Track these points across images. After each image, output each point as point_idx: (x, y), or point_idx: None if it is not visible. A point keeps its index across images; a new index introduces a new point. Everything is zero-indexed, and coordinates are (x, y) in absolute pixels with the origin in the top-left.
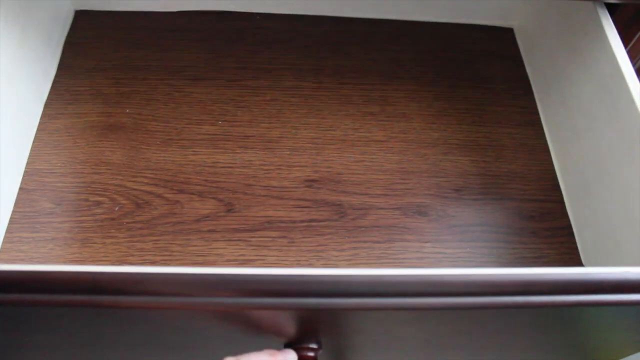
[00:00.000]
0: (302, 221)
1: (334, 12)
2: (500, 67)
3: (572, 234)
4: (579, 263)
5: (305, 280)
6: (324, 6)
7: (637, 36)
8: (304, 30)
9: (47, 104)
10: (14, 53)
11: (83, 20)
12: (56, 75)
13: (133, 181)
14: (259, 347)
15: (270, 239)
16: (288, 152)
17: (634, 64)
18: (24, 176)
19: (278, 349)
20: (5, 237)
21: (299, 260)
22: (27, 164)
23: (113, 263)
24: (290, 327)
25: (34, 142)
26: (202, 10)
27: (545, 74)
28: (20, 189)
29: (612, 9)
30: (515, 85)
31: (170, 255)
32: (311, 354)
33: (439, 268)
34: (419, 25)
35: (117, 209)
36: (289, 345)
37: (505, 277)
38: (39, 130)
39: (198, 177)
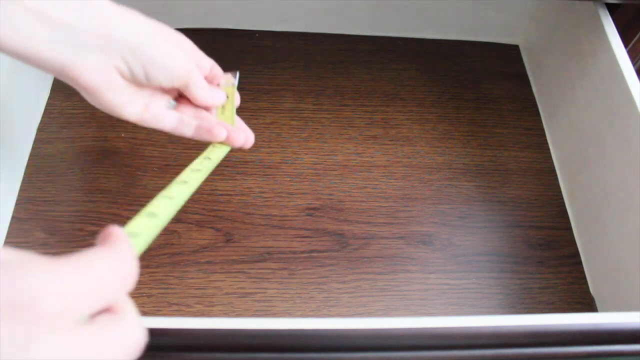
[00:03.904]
0: (302, 252)
1: (334, 29)
2: (506, 86)
3: (580, 263)
4: (587, 293)
5: (303, 334)
6: (324, 24)
7: (637, 36)
8: (305, 48)
9: (40, 128)
10: (6, 75)
11: None
12: (49, 98)
13: (129, 210)
14: None
15: (271, 270)
16: (288, 179)
17: (634, 64)
18: (16, 204)
19: None
20: None
21: (300, 293)
22: (20, 191)
23: None
24: None
25: (26, 168)
26: (199, 28)
27: (551, 92)
28: (13, 217)
29: (612, 9)
30: (521, 106)
31: (167, 287)
32: None
33: (445, 317)
34: (422, 43)
35: None
36: None
37: (515, 329)
38: (31, 155)
39: (196, 205)
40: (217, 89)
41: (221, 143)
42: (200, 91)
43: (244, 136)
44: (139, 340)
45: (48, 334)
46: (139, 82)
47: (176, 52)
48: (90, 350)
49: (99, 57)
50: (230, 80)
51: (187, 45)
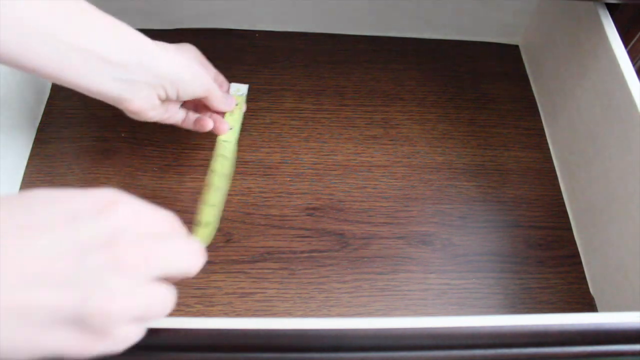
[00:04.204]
0: (303, 252)
1: (334, 29)
2: (506, 86)
3: (579, 263)
4: (587, 293)
5: (303, 334)
6: (324, 24)
7: (637, 36)
8: (305, 48)
9: (40, 129)
10: (6, 75)
11: None
12: (49, 98)
13: None
14: None
15: (271, 270)
16: (288, 179)
17: (634, 64)
18: None
19: None
20: None
21: (300, 293)
22: (20, 191)
23: None
24: None
25: (26, 168)
26: (199, 28)
27: (551, 92)
28: None
29: (612, 9)
30: (520, 105)
31: None
32: None
33: (445, 317)
34: (421, 43)
35: None
36: None
37: (515, 329)
38: (31, 156)
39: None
40: (230, 96)
41: (212, 132)
42: (217, 100)
43: (228, 126)
44: (197, 249)
45: (126, 233)
46: (170, 100)
47: (200, 73)
48: (162, 253)
49: (147, 89)
50: (241, 90)
51: (201, 58)
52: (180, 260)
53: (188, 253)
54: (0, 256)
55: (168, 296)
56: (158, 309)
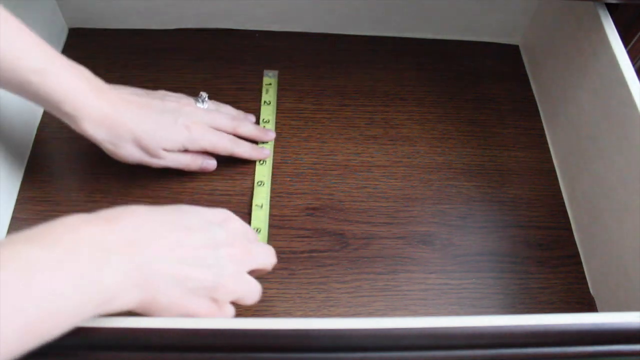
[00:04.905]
0: (302, 252)
1: (334, 29)
2: (506, 86)
3: (580, 263)
4: (587, 293)
5: (303, 334)
6: (324, 24)
7: (637, 36)
8: (305, 48)
9: (40, 128)
10: None
11: (76, 39)
12: None
13: None
14: None
15: (271, 270)
16: (288, 179)
17: (634, 64)
18: (16, 204)
19: None
20: None
21: (300, 293)
22: (20, 191)
23: None
24: None
25: (26, 168)
26: (200, 28)
27: (551, 92)
28: (13, 218)
29: (612, 9)
30: (521, 106)
31: None
32: None
33: (445, 317)
34: (421, 42)
35: None
36: None
37: (515, 329)
38: (31, 155)
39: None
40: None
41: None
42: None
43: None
44: (273, 251)
45: (238, 237)
46: None
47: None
48: (255, 252)
49: None
50: (272, 74)
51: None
52: (264, 258)
53: (268, 252)
54: (171, 244)
55: (258, 287)
56: (251, 295)
